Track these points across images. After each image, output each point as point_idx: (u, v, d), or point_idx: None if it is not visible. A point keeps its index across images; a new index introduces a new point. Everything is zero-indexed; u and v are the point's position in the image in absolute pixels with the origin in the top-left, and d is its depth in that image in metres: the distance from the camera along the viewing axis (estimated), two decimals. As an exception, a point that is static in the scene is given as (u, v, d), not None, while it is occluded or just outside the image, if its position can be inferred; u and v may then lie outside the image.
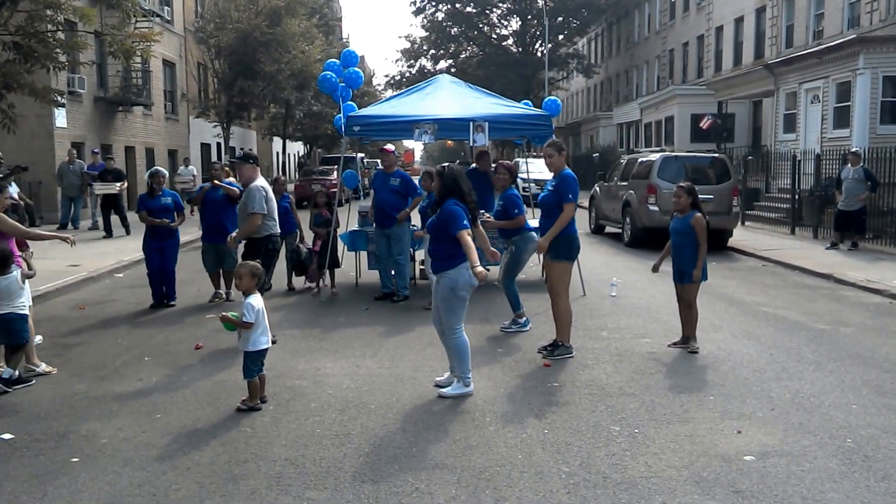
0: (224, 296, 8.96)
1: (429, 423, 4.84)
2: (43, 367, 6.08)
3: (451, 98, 10.02)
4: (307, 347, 6.77)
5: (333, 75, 9.72)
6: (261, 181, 6.63)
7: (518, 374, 5.96)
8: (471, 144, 10.13)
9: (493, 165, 8.52)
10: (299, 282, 9.87)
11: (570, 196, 6.21)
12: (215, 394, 5.46)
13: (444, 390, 5.38)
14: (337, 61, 10.04)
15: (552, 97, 10.51)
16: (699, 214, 6.47)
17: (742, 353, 6.56)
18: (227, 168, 9.68)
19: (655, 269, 6.90)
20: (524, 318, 7.46)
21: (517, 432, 4.67)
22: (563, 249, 6.29)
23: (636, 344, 6.84)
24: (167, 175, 9.29)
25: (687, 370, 6.08)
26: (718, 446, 4.44)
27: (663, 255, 6.83)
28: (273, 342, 6.56)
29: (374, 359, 6.38)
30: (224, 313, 5.09)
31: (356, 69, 10.00)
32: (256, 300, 5.04)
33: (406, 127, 9.65)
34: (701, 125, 23.06)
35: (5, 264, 5.50)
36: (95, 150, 18.18)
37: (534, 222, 7.59)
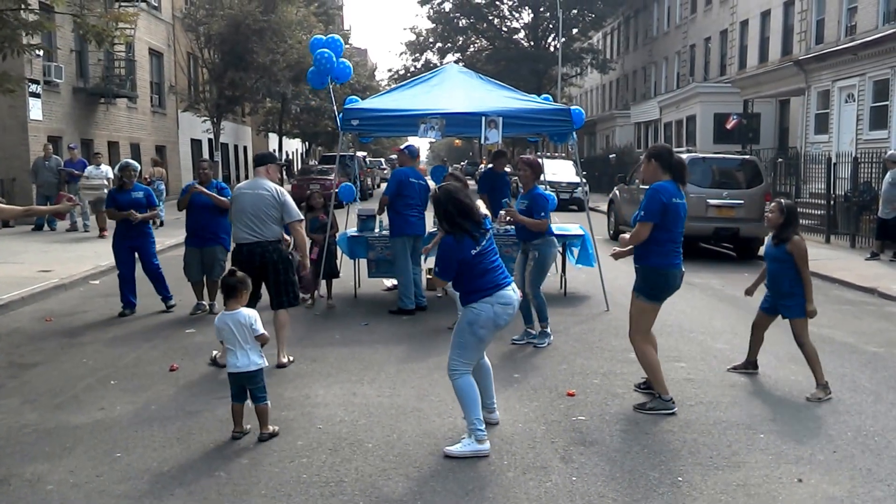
0: (207, 308, 8.17)
1: (436, 467, 4.16)
2: None
3: (460, 90, 9.13)
4: (297, 371, 6.02)
5: (326, 52, 8.79)
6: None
7: (538, 405, 5.23)
8: (482, 142, 9.31)
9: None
10: None
11: (643, 214, 5.08)
12: (187, 428, 4.74)
13: (450, 448, 4.32)
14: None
15: (576, 107, 9.63)
16: (797, 237, 5.56)
17: (789, 380, 5.83)
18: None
19: (749, 293, 6.07)
20: (535, 332, 6.90)
21: (540, 480, 4.01)
22: (642, 284, 5.22)
23: (670, 368, 6.04)
24: (139, 168, 8.66)
25: (731, 401, 5.36)
26: (778, 499, 3.81)
27: (759, 280, 5.98)
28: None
29: (372, 385, 5.65)
30: None
31: (343, 60, 9.07)
32: (218, 317, 4.62)
33: (410, 122, 8.75)
34: (726, 125, 22.19)
35: None
36: (73, 146, 16.82)
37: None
